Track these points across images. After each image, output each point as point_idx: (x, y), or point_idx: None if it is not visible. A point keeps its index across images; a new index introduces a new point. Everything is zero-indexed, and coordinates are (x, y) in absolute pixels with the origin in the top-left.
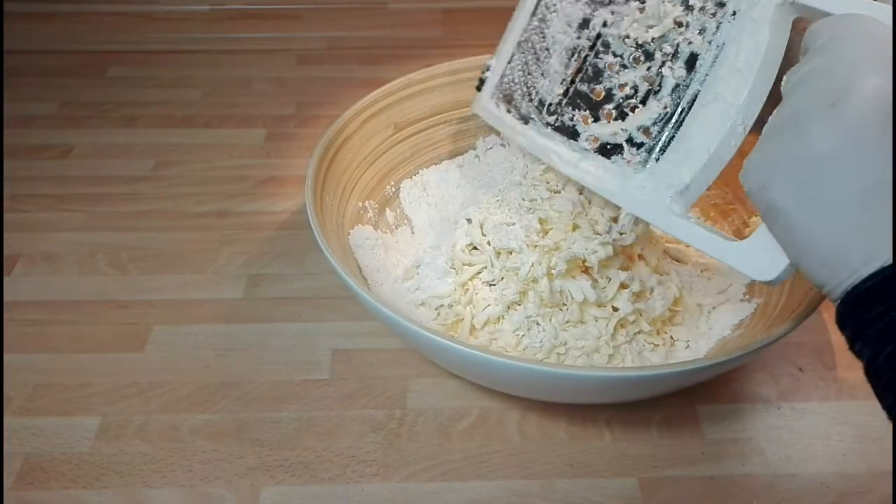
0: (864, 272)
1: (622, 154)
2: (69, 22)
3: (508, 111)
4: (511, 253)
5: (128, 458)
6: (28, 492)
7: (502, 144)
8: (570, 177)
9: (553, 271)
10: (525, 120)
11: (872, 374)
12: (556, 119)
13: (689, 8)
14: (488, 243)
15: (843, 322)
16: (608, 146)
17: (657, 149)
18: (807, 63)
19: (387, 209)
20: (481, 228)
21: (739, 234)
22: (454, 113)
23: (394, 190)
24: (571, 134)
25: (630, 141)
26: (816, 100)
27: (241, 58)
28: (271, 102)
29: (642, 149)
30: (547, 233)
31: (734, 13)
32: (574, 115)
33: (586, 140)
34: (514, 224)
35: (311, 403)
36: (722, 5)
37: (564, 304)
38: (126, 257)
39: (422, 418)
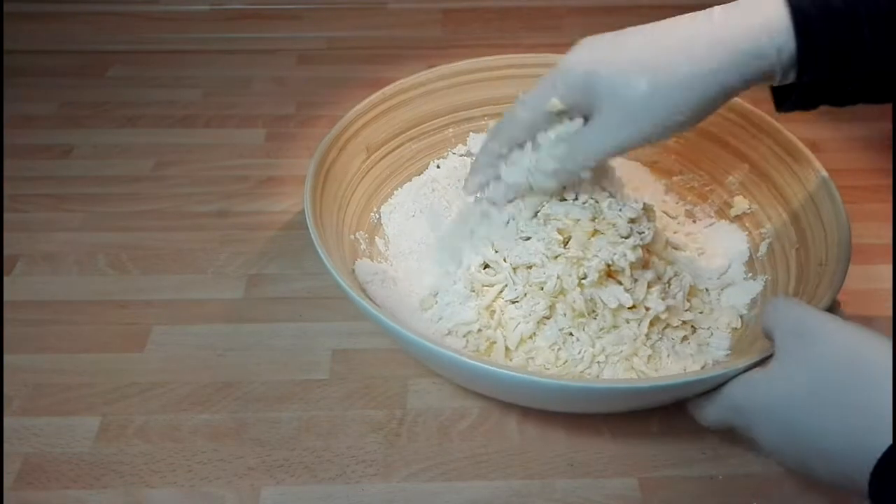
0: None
1: None
2: (69, 22)
3: None
4: (531, 267)
5: (128, 458)
6: (28, 492)
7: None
8: None
9: (584, 281)
10: None
11: None
12: None
13: None
14: (504, 260)
15: (880, 498)
16: None
17: None
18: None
19: (376, 237)
20: (492, 246)
21: (722, 214)
22: (421, 127)
23: (377, 217)
24: None
25: None
26: None
27: (241, 58)
28: (271, 102)
29: None
30: (567, 242)
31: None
32: None
33: None
34: (529, 238)
35: (311, 403)
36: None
37: (594, 312)
38: (126, 257)
39: (422, 418)
